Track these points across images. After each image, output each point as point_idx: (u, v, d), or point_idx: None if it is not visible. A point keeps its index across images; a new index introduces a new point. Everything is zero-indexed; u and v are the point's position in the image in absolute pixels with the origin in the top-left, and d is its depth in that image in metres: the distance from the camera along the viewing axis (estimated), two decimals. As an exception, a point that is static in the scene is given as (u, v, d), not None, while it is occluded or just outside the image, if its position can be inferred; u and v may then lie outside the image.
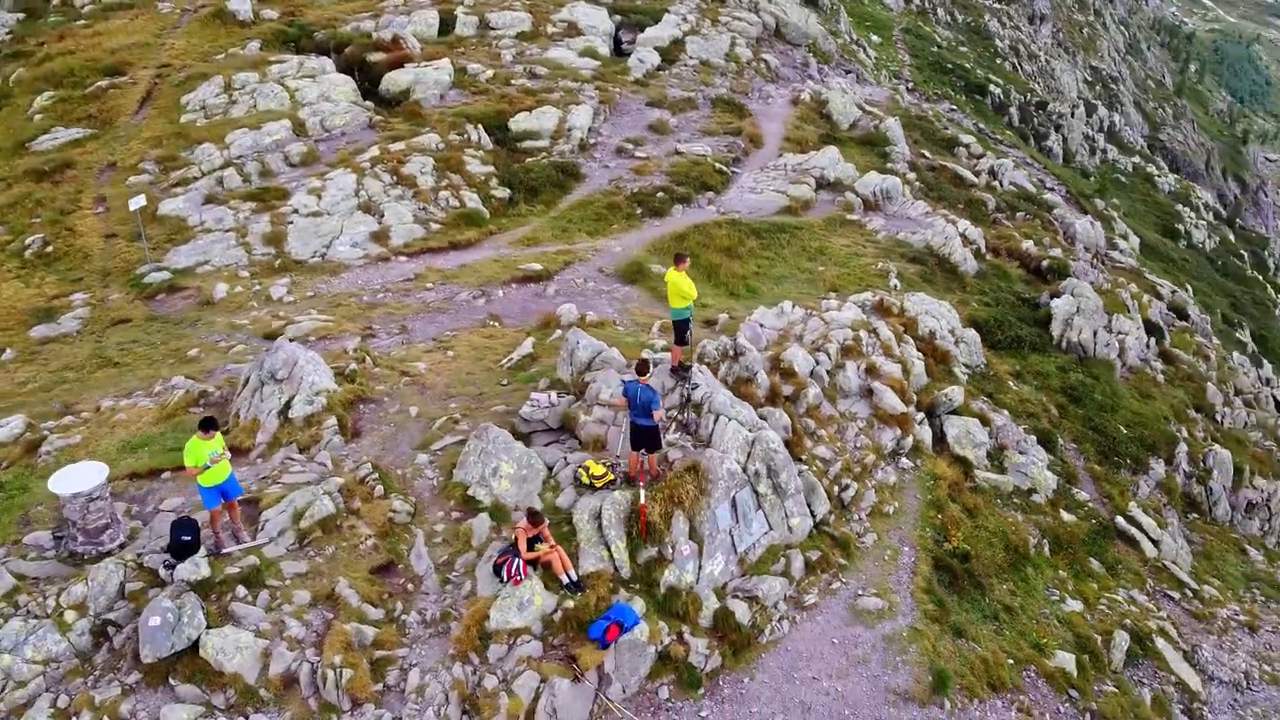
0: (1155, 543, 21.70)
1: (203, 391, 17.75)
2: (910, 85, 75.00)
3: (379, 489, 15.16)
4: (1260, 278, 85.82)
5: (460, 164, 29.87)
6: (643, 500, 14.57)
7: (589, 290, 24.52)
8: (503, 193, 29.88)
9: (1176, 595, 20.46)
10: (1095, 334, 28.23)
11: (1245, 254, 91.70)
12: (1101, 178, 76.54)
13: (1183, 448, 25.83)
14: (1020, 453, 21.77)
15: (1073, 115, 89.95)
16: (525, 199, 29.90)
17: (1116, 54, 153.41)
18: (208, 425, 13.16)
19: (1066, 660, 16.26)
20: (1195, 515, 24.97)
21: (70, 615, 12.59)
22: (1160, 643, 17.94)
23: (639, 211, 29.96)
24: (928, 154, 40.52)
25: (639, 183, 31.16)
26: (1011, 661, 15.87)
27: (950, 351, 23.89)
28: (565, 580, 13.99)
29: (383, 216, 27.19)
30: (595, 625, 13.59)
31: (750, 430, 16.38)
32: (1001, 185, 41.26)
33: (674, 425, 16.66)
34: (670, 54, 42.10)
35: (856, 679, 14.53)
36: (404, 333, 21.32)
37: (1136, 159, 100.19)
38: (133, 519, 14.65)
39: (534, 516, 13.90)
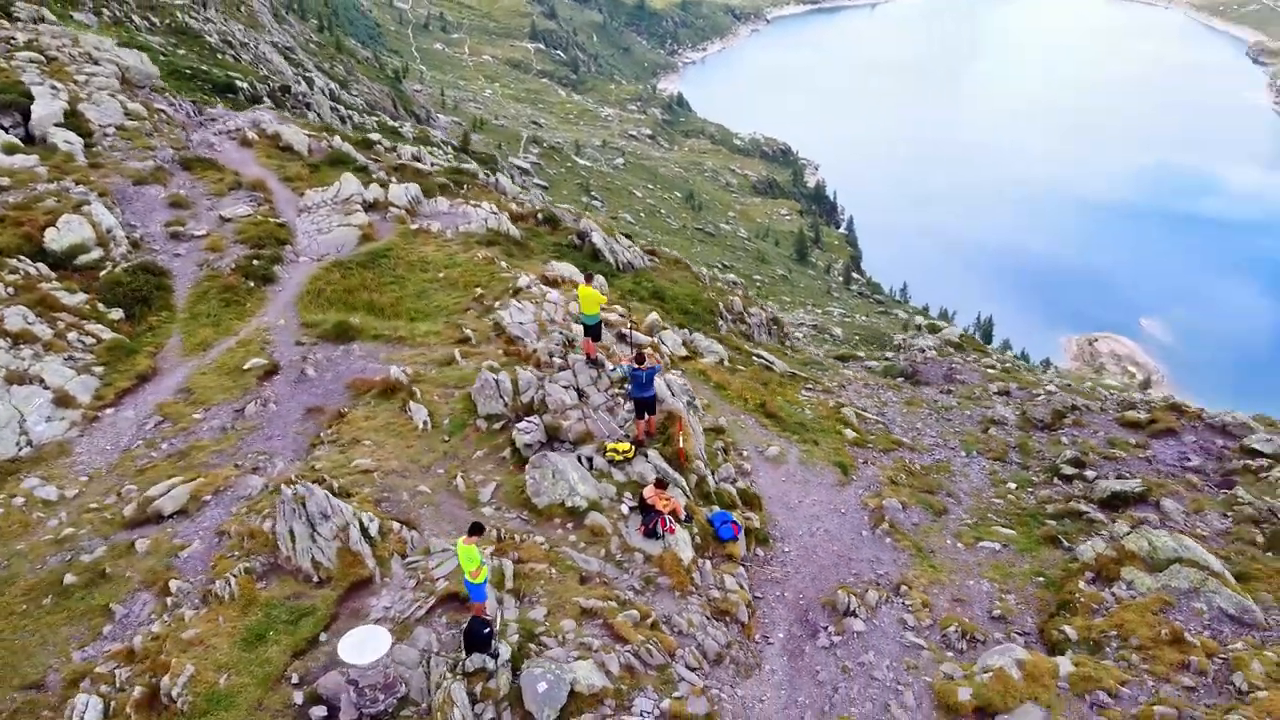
0: (773, 363, 32.63)
1: (245, 569, 17.25)
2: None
3: (516, 538, 17.97)
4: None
5: (55, 301, 26.93)
6: (681, 444, 20.07)
7: (334, 360, 26.07)
8: (117, 314, 27.96)
9: (812, 386, 31.69)
10: (630, 249, 37.88)
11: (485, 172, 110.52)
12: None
13: (719, 304, 37.26)
14: (696, 340, 30.57)
15: (293, 90, 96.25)
16: (143, 312, 28.41)
17: (274, 24, 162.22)
18: (476, 530, 15.20)
19: (851, 433, 26.04)
20: (750, 341, 36.74)
21: (470, 733, 14.25)
22: (850, 411, 28.78)
23: (253, 284, 30.52)
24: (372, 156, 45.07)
25: (227, 258, 31.26)
26: (841, 446, 25.07)
27: (608, 295, 31.27)
28: (682, 519, 19.07)
29: (44, 381, 24.29)
30: (723, 530, 19.22)
31: (661, 378, 22.35)
32: (430, 166, 47.85)
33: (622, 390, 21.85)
34: (81, 128, 39.17)
35: (815, 490, 22.38)
36: (269, 458, 21.55)
37: (371, 117, 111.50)
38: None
39: (660, 484, 18.60)
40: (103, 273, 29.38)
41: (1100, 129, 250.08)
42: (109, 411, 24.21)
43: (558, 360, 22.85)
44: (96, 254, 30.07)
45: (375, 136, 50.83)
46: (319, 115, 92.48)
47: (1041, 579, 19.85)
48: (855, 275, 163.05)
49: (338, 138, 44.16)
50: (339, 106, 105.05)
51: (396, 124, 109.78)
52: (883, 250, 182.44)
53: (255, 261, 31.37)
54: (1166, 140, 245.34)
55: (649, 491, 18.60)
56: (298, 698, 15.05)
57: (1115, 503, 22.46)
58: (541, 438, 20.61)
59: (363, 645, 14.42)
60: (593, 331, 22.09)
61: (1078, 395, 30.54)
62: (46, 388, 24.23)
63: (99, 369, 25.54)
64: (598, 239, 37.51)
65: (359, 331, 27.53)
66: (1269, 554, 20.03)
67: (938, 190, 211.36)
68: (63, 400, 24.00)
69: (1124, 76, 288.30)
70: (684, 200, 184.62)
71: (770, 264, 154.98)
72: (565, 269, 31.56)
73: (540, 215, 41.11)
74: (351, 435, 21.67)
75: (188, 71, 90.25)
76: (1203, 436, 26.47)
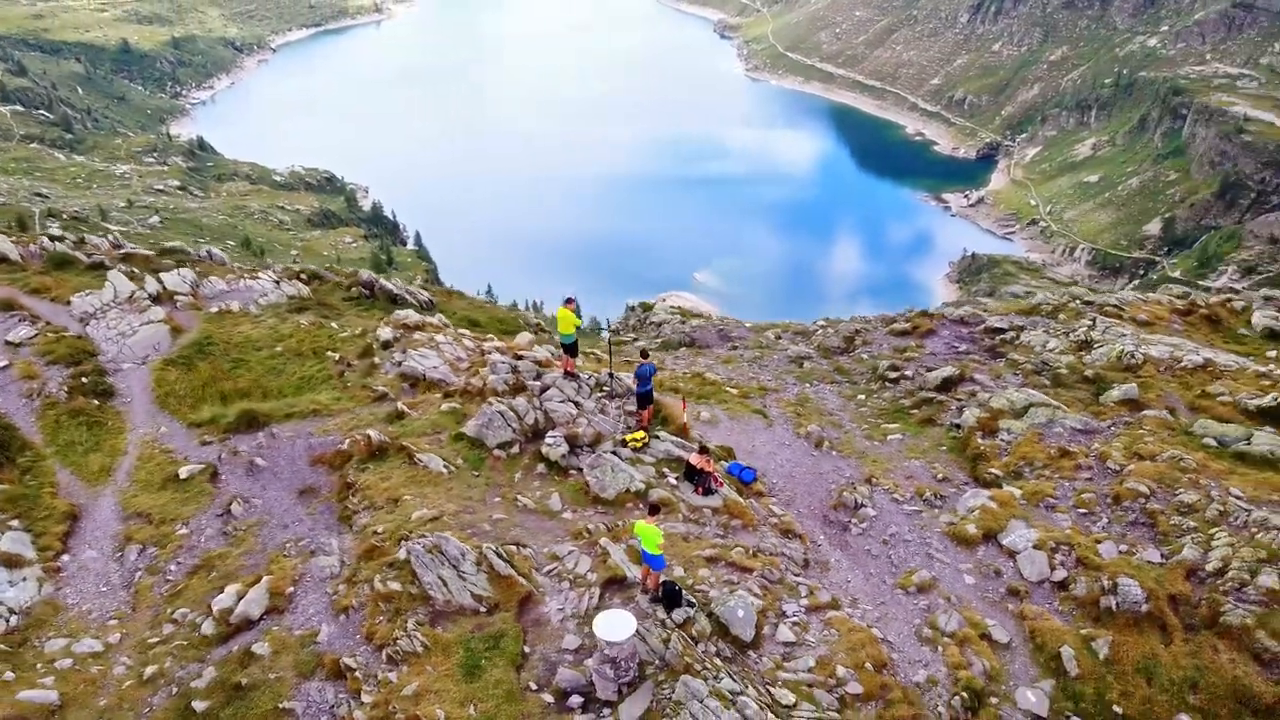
0: (602, 356, 36.82)
1: (417, 622, 18.34)
2: None
3: (619, 525, 20.97)
4: None
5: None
6: (685, 420, 24.07)
7: (266, 446, 25.99)
8: (-25, 468, 25.31)
9: (648, 366, 36.38)
10: (421, 288, 39.69)
11: None
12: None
13: (518, 319, 40.49)
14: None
15: None
16: (5, 457, 25.84)
17: None
18: (655, 511, 18.25)
19: (733, 390, 31.27)
20: (560, 348, 40.44)
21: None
22: (712, 375, 33.95)
23: (97, 402, 28.64)
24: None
25: (51, 383, 28.77)
26: (741, 400, 30.21)
27: (450, 327, 33.48)
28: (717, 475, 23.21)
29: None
30: (744, 475, 23.66)
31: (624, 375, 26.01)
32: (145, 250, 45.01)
33: (603, 394, 25.13)
34: None
35: (756, 435, 27.37)
36: (310, 540, 21.97)
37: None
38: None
39: (704, 450, 22.50)
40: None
41: (613, 112, 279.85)
42: (65, 559, 22.66)
43: (532, 384, 25.45)
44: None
45: (56, 231, 46.27)
46: None
47: (944, 447, 26.67)
48: (438, 286, 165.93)
49: (45, 238, 40.27)
50: None
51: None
52: (455, 257, 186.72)
53: (84, 379, 29.37)
54: (670, 114, 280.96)
55: (696, 459, 22.46)
56: (548, 698, 17.20)
57: (946, 386, 30.04)
58: (566, 447, 23.41)
59: (615, 626, 16.97)
60: (569, 349, 25.08)
61: (853, 324, 38.49)
62: (-30, 554, 22.02)
63: (15, 523, 23.43)
64: (389, 284, 38.92)
65: (268, 416, 27.50)
66: (1059, 389, 28.59)
67: (490, 189, 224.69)
68: (10, 562, 22.09)
69: (620, 62, 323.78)
70: (241, 247, 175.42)
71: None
72: (413, 316, 33.16)
73: (306, 274, 41.15)
74: (385, 495, 22.69)
75: None
76: (952, 329, 35.35)
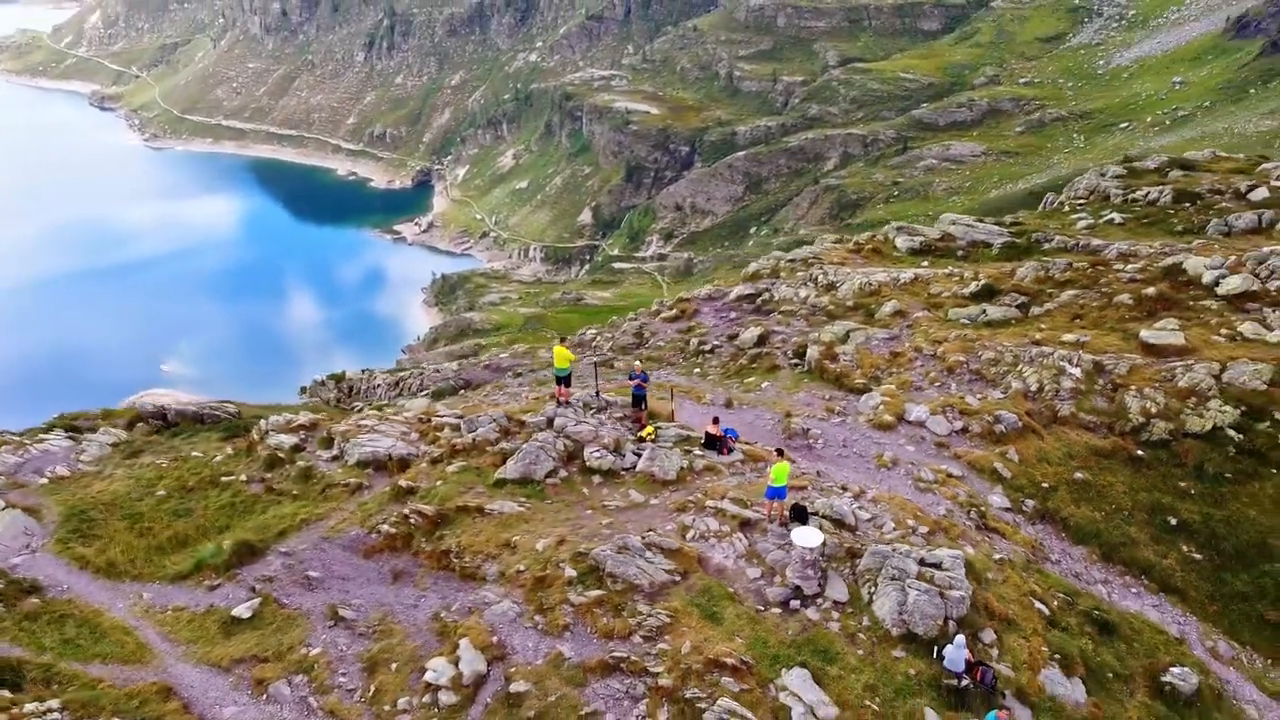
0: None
1: (643, 602, 21.84)
2: None
3: (695, 498, 26.05)
4: None
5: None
6: (674, 409, 29.56)
7: (294, 564, 26.14)
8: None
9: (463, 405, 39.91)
10: (222, 405, 38.53)
11: None
12: None
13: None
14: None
15: None
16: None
17: None
18: (781, 453, 23.99)
19: (608, 393, 36.63)
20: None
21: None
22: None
23: (36, 599, 25.85)
24: None
25: None
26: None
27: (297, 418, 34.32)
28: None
29: (118, 750, 20.53)
30: (730, 433, 29.81)
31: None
32: None
33: (594, 410, 29.48)
34: None
35: (676, 412, 33.36)
36: (456, 603, 23.75)
37: None
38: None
39: (715, 421, 28.22)
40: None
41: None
42: (214, 729, 21.80)
43: (531, 420, 28.84)
44: None
45: None
46: None
47: (807, 379, 35.07)
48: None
49: None
50: None
51: None
52: None
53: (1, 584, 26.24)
54: (69, 200, 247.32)
55: (712, 428, 28.15)
56: (776, 610, 22.36)
57: (761, 340, 38.39)
58: (610, 456, 27.58)
59: (809, 537, 22.67)
60: (564, 380, 28.88)
61: (635, 320, 45.20)
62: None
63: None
64: (185, 408, 37.50)
65: (263, 541, 27.27)
66: (839, 320, 38.51)
67: None
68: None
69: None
70: None
71: None
72: (297, 418, 33.32)
73: (62, 427, 37.44)
74: (492, 545, 24.94)
75: None
76: (709, 305, 43.97)
